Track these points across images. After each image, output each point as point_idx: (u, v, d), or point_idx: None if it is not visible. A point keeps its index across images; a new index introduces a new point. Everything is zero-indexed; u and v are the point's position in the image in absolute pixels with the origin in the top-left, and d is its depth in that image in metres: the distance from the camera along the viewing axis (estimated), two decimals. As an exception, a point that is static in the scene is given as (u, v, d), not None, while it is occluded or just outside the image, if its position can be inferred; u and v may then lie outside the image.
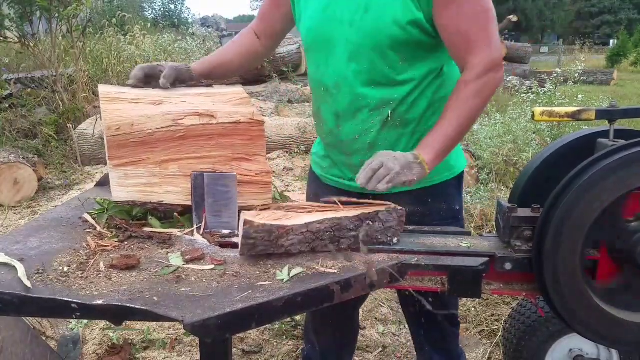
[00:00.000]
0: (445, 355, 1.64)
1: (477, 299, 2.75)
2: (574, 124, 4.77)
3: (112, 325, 1.11)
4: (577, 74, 6.44)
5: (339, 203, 1.27)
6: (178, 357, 2.36)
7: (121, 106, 1.26)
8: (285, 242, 1.12)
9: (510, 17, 14.77)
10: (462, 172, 1.54)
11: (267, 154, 1.37)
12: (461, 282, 1.17)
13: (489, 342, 2.52)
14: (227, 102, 1.38)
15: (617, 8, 40.96)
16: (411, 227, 1.34)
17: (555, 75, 6.31)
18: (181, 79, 1.49)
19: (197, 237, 1.21)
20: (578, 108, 1.33)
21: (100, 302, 0.93)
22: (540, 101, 5.74)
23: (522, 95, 6.07)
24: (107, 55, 7.38)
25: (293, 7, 1.50)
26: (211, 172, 1.26)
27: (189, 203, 1.26)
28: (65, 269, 1.05)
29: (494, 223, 2.56)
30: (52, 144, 5.72)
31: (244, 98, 1.40)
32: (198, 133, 1.24)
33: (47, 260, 1.08)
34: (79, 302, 0.94)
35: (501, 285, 1.25)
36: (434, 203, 1.47)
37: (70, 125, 5.63)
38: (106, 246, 1.16)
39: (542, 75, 7.64)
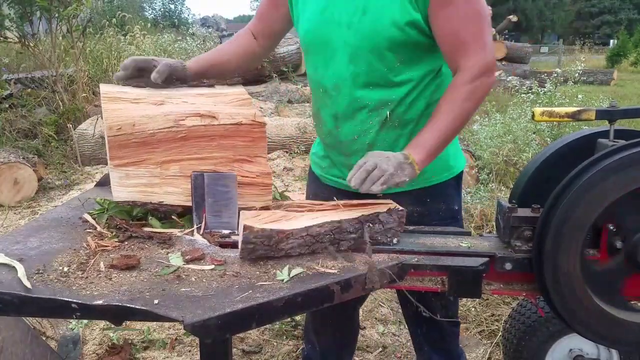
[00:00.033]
0: (445, 355, 1.64)
1: (477, 299, 2.75)
2: (574, 124, 4.77)
3: (112, 325, 1.11)
4: (577, 74, 6.44)
5: (338, 202, 1.27)
6: (178, 357, 2.36)
7: (122, 106, 1.26)
8: (285, 246, 1.12)
9: (510, 17, 14.78)
10: (461, 172, 1.55)
11: (267, 154, 1.36)
12: (461, 282, 1.17)
13: (489, 342, 2.52)
14: (229, 103, 1.37)
15: (617, 8, 40.96)
16: (411, 227, 1.34)
17: (555, 75, 6.31)
18: (175, 77, 1.46)
19: (197, 237, 1.21)
20: (578, 108, 1.33)
21: (100, 302, 0.93)
22: (540, 101, 5.74)
23: (522, 95, 6.07)
24: (107, 55, 7.38)
25: (291, 8, 1.50)
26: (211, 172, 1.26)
27: (190, 204, 1.26)
28: (65, 269, 1.05)
29: (494, 223, 2.57)
30: (52, 144, 5.72)
31: (245, 99, 1.40)
32: (199, 134, 1.24)
33: (47, 260, 1.08)
34: (79, 302, 0.93)
35: (501, 285, 1.25)
36: (433, 203, 1.47)
37: (70, 125, 5.63)
38: (106, 246, 1.16)
39: (542, 75, 7.64)
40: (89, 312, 0.94)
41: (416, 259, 1.17)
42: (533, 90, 6.09)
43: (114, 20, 8.71)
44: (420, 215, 1.42)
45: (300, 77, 8.11)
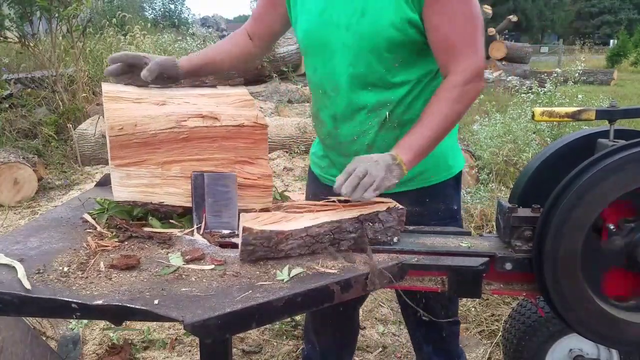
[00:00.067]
0: (445, 355, 1.64)
1: (477, 299, 2.75)
2: (574, 124, 4.77)
3: (112, 325, 1.10)
4: (577, 74, 6.44)
5: (337, 202, 1.27)
6: (178, 357, 2.36)
7: (124, 105, 1.25)
8: (285, 247, 1.12)
9: (510, 17, 14.80)
10: (460, 172, 1.55)
11: (267, 154, 1.36)
12: (461, 282, 1.17)
13: (489, 342, 2.52)
14: (231, 103, 1.37)
15: (617, 8, 40.96)
16: (411, 227, 1.34)
17: (555, 75, 6.31)
18: (166, 75, 1.44)
19: (197, 237, 1.21)
20: (578, 108, 1.33)
21: (100, 302, 0.93)
22: (540, 101, 5.74)
23: (522, 95, 6.06)
24: (107, 55, 7.36)
25: (289, 9, 1.49)
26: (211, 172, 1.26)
27: (190, 205, 1.26)
28: (66, 269, 1.05)
29: (494, 223, 2.57)
30: (52, 144, 5.72)
31: (247, 100, 1.39)
32: (201, 135, 1.24)
33: (47, 260, 1.08)
34: (79, 302, 0.93)
35: (501, 285, 1.25)
36: (432, 203, 1.47)
37: (70, 125, 5.63)
38: (106, 246, 1.16)
39: (542, 75, 7.64)
40: (89, 312, 0.94)
41: (416, 259, 1.17)
42: (533, 90, 6.08)
43: (114, 20, 8.72)
44: (420, 215, 1.42)
45: (300, 77, 8.11)
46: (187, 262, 1.10)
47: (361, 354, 2.42)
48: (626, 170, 1.09)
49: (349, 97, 1.39)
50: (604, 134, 1.30)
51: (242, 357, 2.40)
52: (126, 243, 1.19)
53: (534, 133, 4.93)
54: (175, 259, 1.11)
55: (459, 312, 2.31)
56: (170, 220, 1.27)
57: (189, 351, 2.40)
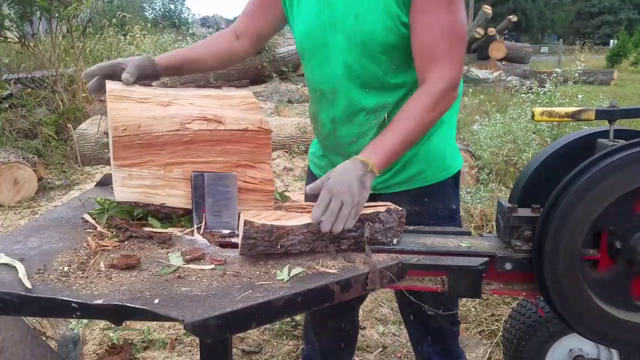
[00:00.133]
0: (445, 355, 1.64)
1: (477, 299, 2.75)
2: (574, 124, 4.78)
3: (112, 325, 1.10)
4: (577, 74, 6.45)
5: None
6: (178, 357, 2.36)
7: (128, 105, 1.24)
8: (286, 242, 1.12)
9: (510, 17, 14.82)
10: (459, 171, 1.54)
11: (267, 155, 1.36)
12: (461, 282, 1.17)
13: (489, 342, 2.52)
14: (235, 106, 1.35)
15: (617, 8, 40.98)
16: (411, 227, 1.34)
17: (555, 75, 6.31)
18: (144, 75, 1.40)
19: (197, 237, 1.21)
20: (578, 108, 1.33)
21: (100, 301, 0.93)
22: (540, 101, 5.74)
23: (522, 95, 6.07)
24: (107, 55, 7.38)
25: (286, 10, 1.48)
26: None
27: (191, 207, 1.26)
28: (66, 268, 1.05)
29: (494, 223, 2.57)
30: (52, 144, 5.72)
31: (251, 103, 1.38)
32: (205, 138, 1.23)
33: (48, 260, 1.08)
34: (79, 301, 0.93)
35: (501, 285, 1.25)
36: (431, 203, 1.47)
37: (70, 125, 5.64)
38: (106, 246, 1.16)
39: (542, 75, 7.64)
40: (89, 311, 0.94)
41: (416, 259, 1.17)
42: (533, 90, 6.09)
43: (114, 20, 8.73)
44: (418, 214, 1.42)
45: (300, 77, 8.11)
46: (187, 261, 1.10)
47: (361, 354, 2.42)
48: (626, 170, 1.09)
49: (347, 99, 1.39)
50: (604, 134, 1.30)
51: (242, 357, 2.40)
52: (126, 243, 1.19)
53: (534, 133, 4.93)
54: (175, 259, 1.11)
55: (459, 312, 2.31)
56: (170, 221, 1.27)
57: (189, 351, 2.40)
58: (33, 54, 6.34)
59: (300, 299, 1.00)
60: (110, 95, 1.26)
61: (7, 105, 6.04)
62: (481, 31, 13.83)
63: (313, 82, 1.46)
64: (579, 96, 5.96)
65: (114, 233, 1.22)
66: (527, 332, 1.88)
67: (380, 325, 2.67)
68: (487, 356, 2.41)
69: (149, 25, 13.46)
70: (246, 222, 1.07)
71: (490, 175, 4.30)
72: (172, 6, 33.31)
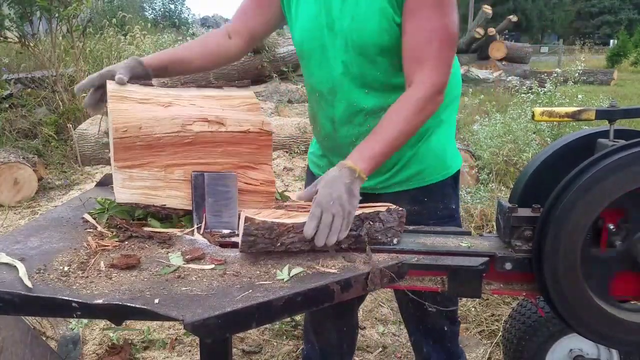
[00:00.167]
0: (445, 355, 1.64)
1: (477, 299, 2.75)
2: (574, 124, 4.78)
3: (112, 325, 1.11)
4: (577, 74, 6.45)
5: None
6: (178, 357, 2.36)
7: (129, 106, 1.24)
8: (286, 240, 1.12)
9: (510, 17, 14.82)
10: (459, 171, 1.54)
11: (267, 155, 1.36)
12: (461, 282, 1.17)
13: (489, 342, 2.52)
14: (236, 107, 1.35)
15: (617, 8, 40.98)
16: (411, 227, 1.34)
17: (555, 75, 6.31)
18: (137, 75, 1.38)
19: (198, 236, 1.21)
20: (578, 108, 1.33)
21: (100, 301, 0.93)
22: (540, 101, 5.74)
23: (522, 95, 6.07)
24: (107, 55, 7.39)
25: (285, 11, 1.48)
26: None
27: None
28: (66, 268, 1.05)
29: (494, 223, 2.57)
30: (52, 144, 5.72)
31: (253, 104, 1.37)
32: (206, 140, 1.23)
33: (48, 260, 1.08)
34: (80, 301, 0.93)
35: (501, 285, 1.25)
36: (431, 202, 1.47)
37: (70, 125, 5.63)
38: (106, 246, 1.16)
39: (542, 75, 7.65)
40: (89, 311, 0.94)
41: (416, 259, 1.17)
42: (533, 90, 6.09)
43: (114, 20, 8.73)
44: (418, 214, 1.42)
45: (300, 76, 8.11)
46: (187, 261, 1.10)
47: (361, 354, 2.42)
48: (626, 170, 1.09)
49: (347, 100, 1.39)
50: (604, 134, 1.30)
51: (242, 357, 2.40)
52: (126, 243, 1.19)
53: (534, 133, 4.93)
54: (176, 259, 1.11)
55: (459, 312, 2.31)
56: (171, 221, 1.27)
57: (189, 351, 2.40)
58: (33, 54, 6.34)
59: (301, 298, 1.00)
60: (112, 96, 1.26)
61: (7, 105, 6.04)
62: (481, 31, 13.83)
63: (312, 84, 1.46)
64: (579, 96, 5.96)
65: (114, 233, 1.22)
66: (527, 332, 1.88)
67: (380, 325, 2.67)
68: (487, 356, 2.41)
69: (149, 25, 13.47)
70: (247, 219, 1.07)
71: (490, 175, 4.30)
72: (172, 6, 33.35)
